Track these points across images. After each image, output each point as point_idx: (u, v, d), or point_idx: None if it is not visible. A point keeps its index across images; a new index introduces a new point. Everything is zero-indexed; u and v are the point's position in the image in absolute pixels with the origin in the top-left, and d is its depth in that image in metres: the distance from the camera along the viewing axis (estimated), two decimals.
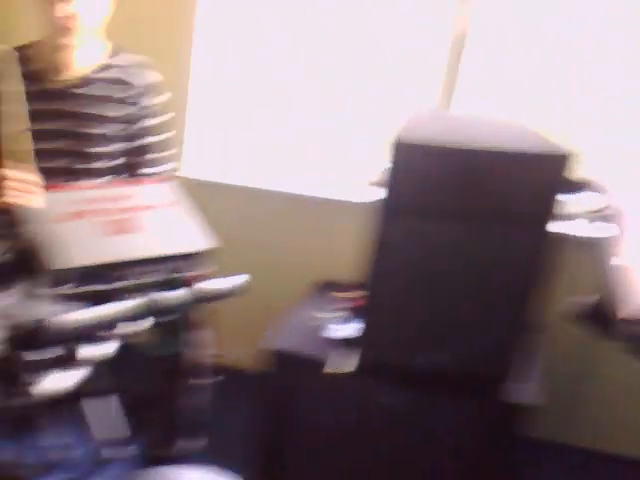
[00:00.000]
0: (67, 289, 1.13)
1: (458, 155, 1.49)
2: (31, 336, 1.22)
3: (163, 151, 2.02)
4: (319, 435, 1.90)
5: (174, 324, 1.26)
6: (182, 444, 1.76)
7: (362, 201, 2.14)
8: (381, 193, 1.55)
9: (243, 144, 2.74)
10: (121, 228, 1.26)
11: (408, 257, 1.58)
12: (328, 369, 1.72)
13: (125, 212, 1.30)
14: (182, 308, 1.37)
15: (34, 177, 1.65)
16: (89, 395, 1.44)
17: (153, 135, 1.98)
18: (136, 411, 1.56)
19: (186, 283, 1.20)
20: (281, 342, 1.94)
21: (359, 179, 2.33)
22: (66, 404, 1.37)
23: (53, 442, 1.41)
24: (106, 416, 1.47)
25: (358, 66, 2.60)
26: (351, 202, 2.22)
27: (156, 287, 1.18)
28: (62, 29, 1.76)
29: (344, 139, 2.62)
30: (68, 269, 1.13)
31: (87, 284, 1.19)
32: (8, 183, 1.66)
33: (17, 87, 1.80)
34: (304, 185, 2.48)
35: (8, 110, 1.46)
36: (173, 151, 2.06)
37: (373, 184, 1.61)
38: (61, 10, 1.73)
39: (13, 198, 1.65)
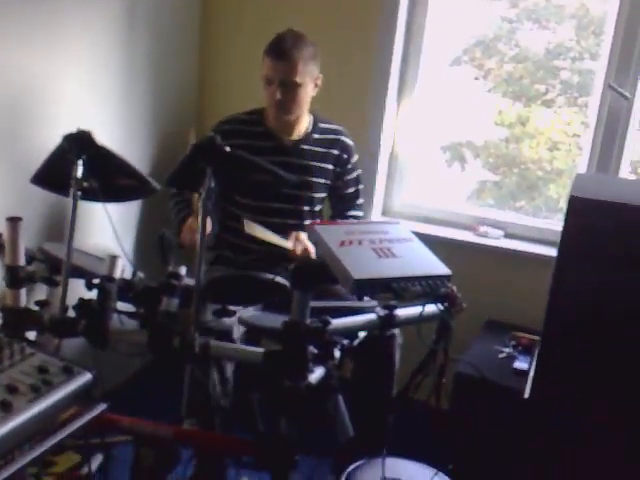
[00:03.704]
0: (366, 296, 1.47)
1: (627, 210, 1.79)
2: (317, 333, 1.57)
3: (358, 199, 2.41)
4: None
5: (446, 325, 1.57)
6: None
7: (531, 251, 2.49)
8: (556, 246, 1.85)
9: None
10: (383, 254, 1.62)
11: (583, 305, 1.80)
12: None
13: (381, 242, 1.66)
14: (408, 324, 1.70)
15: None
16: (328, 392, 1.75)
17: (352, 187, 2.38)
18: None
19: (445, 297, 1.53)
20: (473, 370, 2.19)
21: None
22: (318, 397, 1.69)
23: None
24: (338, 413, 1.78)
25: None
26: (523, 252, 2.53)
27: (422, 297, 1.52)
28: (278, 108, 2.19)
29: None
30: (366, 279, 1.47)
31: (371, 294, 1.54)
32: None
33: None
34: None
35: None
36: (362, 201, 2.45)
37: None
38: (277, 95, 2.16)
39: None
